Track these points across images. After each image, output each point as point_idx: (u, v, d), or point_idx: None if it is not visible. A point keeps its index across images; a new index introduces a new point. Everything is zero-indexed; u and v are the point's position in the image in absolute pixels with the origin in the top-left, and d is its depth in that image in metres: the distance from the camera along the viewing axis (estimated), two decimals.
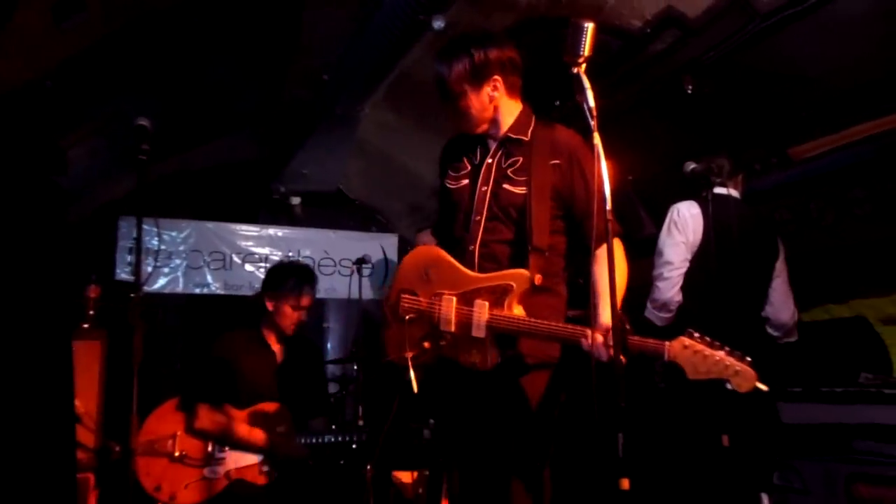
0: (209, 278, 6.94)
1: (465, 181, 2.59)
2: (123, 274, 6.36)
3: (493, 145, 2.60)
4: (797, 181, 4.51)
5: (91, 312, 4.47)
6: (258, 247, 7.17)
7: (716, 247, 3.40)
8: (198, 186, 6.95)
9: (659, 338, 3.86)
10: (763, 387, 2.13)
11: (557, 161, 2.51)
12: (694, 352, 2.15)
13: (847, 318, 4.64)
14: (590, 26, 2.24)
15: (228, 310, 6.68)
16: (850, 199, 4.37)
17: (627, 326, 2.15)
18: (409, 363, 2.42)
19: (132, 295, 2.60)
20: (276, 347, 3.95)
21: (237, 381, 3.78)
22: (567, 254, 2.58)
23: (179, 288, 6.82)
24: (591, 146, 2.14)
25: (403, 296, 2.53)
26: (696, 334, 2.17)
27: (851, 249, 4.50)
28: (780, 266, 3.73)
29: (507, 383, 2.46)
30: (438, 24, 3.82)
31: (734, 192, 3.74)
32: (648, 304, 3.66)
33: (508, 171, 2.52)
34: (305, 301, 3.90)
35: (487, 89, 2.54)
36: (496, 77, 2.54)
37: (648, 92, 4.36)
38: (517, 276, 2.37)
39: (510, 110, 2.61)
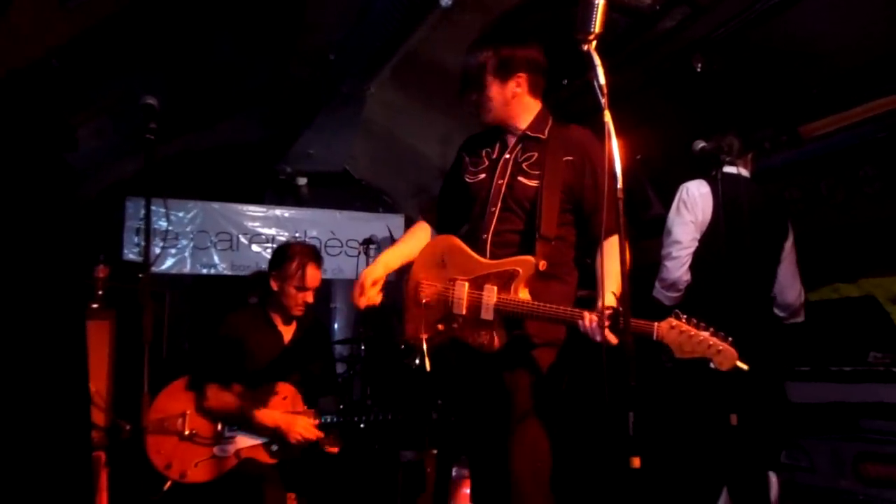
0: (216, 259, 6.96)
1: (483, 175, 2.70)
2: (131, 254, 6.38)
3: (511, 141, 2.72)
4: (807, 159, 4.49)
5: (100, 292, 4.49)
6: (265, 227, 7.19)
7: (725, 226, 3.38)
8: (204, 167, 6.95)
9: (664, 315, 3.88)
10: (743, 366, 2.22)
11: (570, 157, 2.61)
12: (680, 332, 2.24)
13: (856, 297, 4.63)
14: (600, 2, 2.22)
15: (235, 290, 6.69)
16: (861, 178, 4.35)
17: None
18: (424, 343, 2.56)
19: (140, 275, 2.61)
20: (282, 328, 3.95)
21: (245, 361, 3.78)
22: (577, 245, 2.68)
23: (187, 268, 6.85)
24: (602, 133, 2.14)
25: (422, 281, 2.68)
26: (683, 316, 2.25)
27: (861, 228, 4.48)
28: (788, 246, 3.70)
29: (514, 362, 2.55)
30: (446, 2, 3.80)
31: (744, 171, 3.71)
32: (657, 284, 3.65)
33: (524, 165, 2.63)
34: (310, 282, 3.89)
35: (512, 84, 2.65)
36: (521, 74, 2.66)
37: (657, 70, 4.33)
38: (523, 262, 2.48)
39: (530, 108, 2.72)
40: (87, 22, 3.87)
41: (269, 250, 6.95)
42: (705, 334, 2.24)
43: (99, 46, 4.25)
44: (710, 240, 3.55)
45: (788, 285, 3.69)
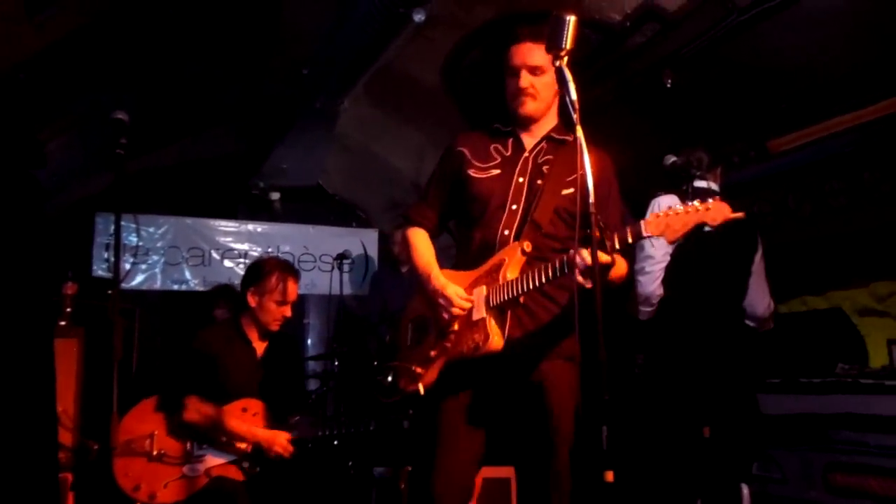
0: (188, 275, 6.88)
1: (496, 171, 2.59)
2: (100, 271, 6.28)
3: (528, 141, 2.63)
4: (775, 174, 4.56)
5: (68, 310, 4.41)
6: (237, 243, 7.12)
7: (696, 241, 3.41)
8: (175, 182, 6.87)
9: (640, 333, 3.90)
10: (738, 214, 2.10)
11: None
12: (665, 216, 2.18)
13: (824, 309, 4.70)
14: (571, 19, 2.23)
15: (207, 306, 6.62)
16: (827, 191, 4.42)
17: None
18: (419, 380, 2.48)
19: (109, 292, 2.57)
20: (256, 343, 3.92)
21: (218, 376, 3.74)
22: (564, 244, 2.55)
23: (157, 285, 6.75)
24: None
25: (411, 323, 2.65)
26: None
27: (828, 241, 4.56)
28: (758, 259, 3.75)
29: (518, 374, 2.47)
30: (419, 17, 3.81)
31: (714, 185, 3.76)
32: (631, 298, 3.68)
33: (542, 167, 2.57)
34: (291, 296, 3.86)
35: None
36: None
37: (628, 85, 4.38)
38: (507, 251, 2.45)
39: (555, 113, 2.66)
40: (56, 35, 3.83)
41: (241, 266, 6.88)
42: (687, 204, 2.16)
43: (67, 61, 4.20)
44: (681, 254, 3.58)
45: (757, 298, 3.74)
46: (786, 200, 4.64)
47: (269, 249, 7.11)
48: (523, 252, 2.43)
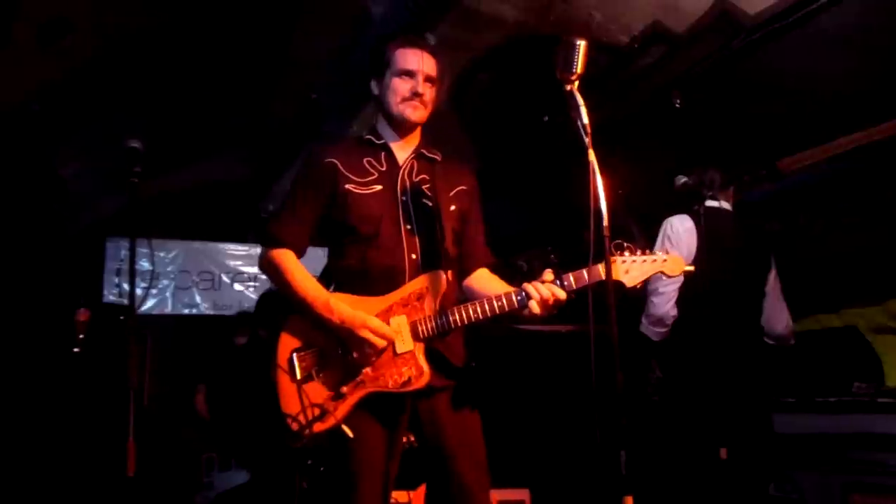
0: (198, 299, 6.90)
1: (378, 187, 2.44)
2: (112, 296, 6.30)
3: (400, 156, 2.52)
4: (786, 193, 4.55)
5: (81, 336, 4.41)
6: (247, 266, 7.14)
7: (709, 260, 3.40)
8: (185, 207, 6.90)
9: (655, 353, 3.88)
10: (690, 268, 2.33)
11: (464, 187, 2.55)
12: (622, 262, 2.26)
13: (838, 327, 4.67)
14: (582, 44, 2.24)
15: (218, 331, 6.61)
16: (839, 210, 4.41)
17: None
18: (333, 418, 2.24)
19: (122, 318, 2.57)
20: None
21: None
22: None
23: (168, 309, 6.77)
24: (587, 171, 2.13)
25: (297, 354, 2.35)
26: (616, 251, 2.27)
27: (840, 259, 4.54)
28: (772, 278, 3.74)
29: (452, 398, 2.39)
30: (429, 40, 3.82)
31: (725, 205, 3.75)
32: (644, 320, 3.66)
33: (422, 186, 2.48)
34: None
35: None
36: None
37: (637, 106, 4.39)
38: (429, 278, 2.34)
39: (420, 129, 2.58)
40: (69, 65, 3.88)
41: (251, 289, 6.90)
42: (647, 255, 2.27)
43: (79, 89, 4.24)
44: (695, 274, 3.57)
45: (776, 317, 3.71)
46: (797, 219, 4.63)
47: None
48: (447, 282, 2.33)
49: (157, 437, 3.78)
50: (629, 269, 2.27)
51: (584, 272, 2.22)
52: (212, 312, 6.86)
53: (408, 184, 2.47)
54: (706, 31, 3.71)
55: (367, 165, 2.46)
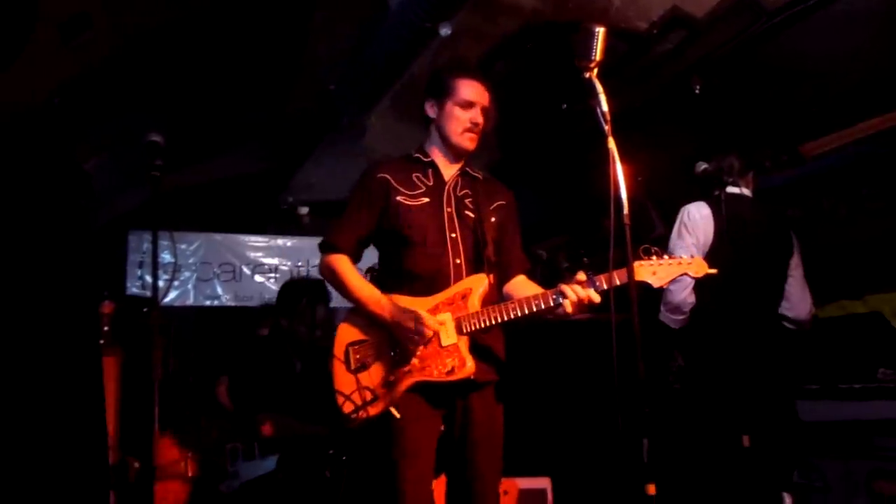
0: (219, 290, 6.95)
1: (426, 199, 2.69)
2: (135, 288, 6.37)
3: (446, 173, 2.76)
4: (809, 177, 4.51)
5: (106, 328, 4.47)
6: (268, 257, 7.18)
7: (731, 246, 3.38)
8: (206, 199, 6.95)
9: (676, 341, 3.86)
10: (713, 271, 2.47)
11: (502, 202, 2.81)
12: (650, 265, 2.42)
13: (862, 313, 4.62)
14: (601, 31, 2.25)
15: (240, 321, 6.67)
16: (863, 195, 4.36)
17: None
18: (384, 403, 2.47)
19: (145, 310, 2.62)
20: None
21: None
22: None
23: (190, 301, 6.83)
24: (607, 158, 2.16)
25: (351, 347, 2.60)
26: (644, 255, 2.43)
27: (865, 245, 4.49)
28: (795, 263, 3.70)
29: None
30: (445, 31, 3.82)
31: (746, 191, 3.72)
32: (662, 307, 3.64)
33: (465, 200, 2.73)
34: (320, 317, 3.93)
35: None
36: None
37: (656, 92, 4.36)
38: (473, 280, 2.57)
39: None
40: (90, 60, 3.91)
41: (272, 280, 6.95)
42: (671, 257, 2.45)
43: (101, 83, 4.28)
44: (713, 261, 3.54)
45: (799, 301, 3.68)
46: (820, 204, 4.58)
47: (299, 264, 7.17)
48: (489, 284, 2.55)
49: (180, 428, 3.82)
50: (656, 270, 2.41)
51: (615, 274, 2.34)
52: (233, 304, 6.92)
53: (453, 198, 2.71)
54: (726, 16, 3.67)
55: (415, 180, 2.73)
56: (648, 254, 2.43)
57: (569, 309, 2.39)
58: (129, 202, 6.37)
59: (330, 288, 3.20)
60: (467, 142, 2.69)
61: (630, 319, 2.12)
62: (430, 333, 2.45)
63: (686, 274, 2.45)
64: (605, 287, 2.37)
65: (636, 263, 2.37)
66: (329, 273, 2.71)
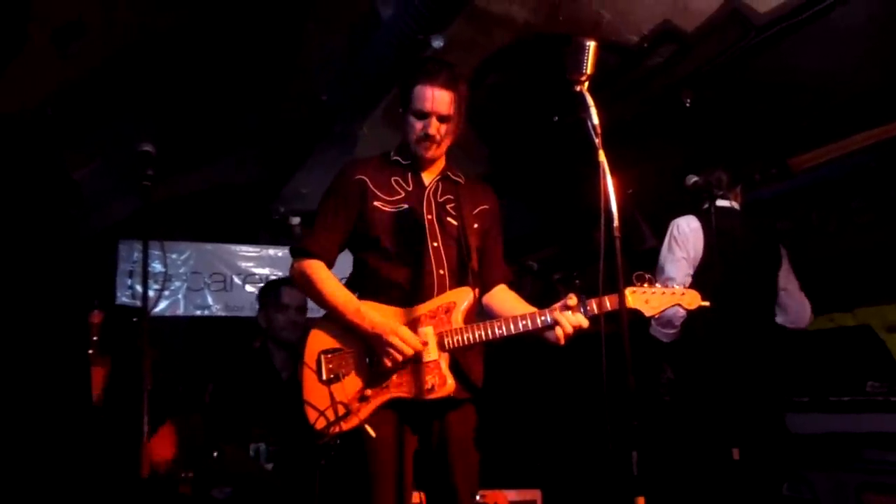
0: (210, 300, 6.91)
1: (405, 206, 2.54)
2: (124, 298, 6.32)
3: (426, 177, 2.62)
4: (798, 191, 4.53)
5: (95, 338, 4.44)
6: (259, 267, 7.15)
7: (720, 259, 3.39)
8: (197, 208, 6.93)
9: (666, 354, 3.87)
10: (706, 302, 2.46)
11: (486, 206, 2.68)
12: (643, 293, 2.41)
13: (852, 326, 4.64)
14: (592, 45, 2.26)
15: (231, 332, 6.64)
16: (852, 208, 4.39)
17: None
18: (356, 419, 2.34)
19: (134, 319, 2.60)
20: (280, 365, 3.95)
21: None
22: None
23: (180, 311, 6.78)
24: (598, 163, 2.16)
25: (324, 356, 2.44)
26: (639, 282, 2.42)
27: (854, 258, 4.51)
28: (785, 275, 3.72)
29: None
30: (438, 42, 3.83)
31: (735, 205, 3.74)
32: (652, 322, 3.64)
33: (447, 206, 2.59)
34: (286, 299, 3.87)
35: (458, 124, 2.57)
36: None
37: (647, 105, 4.38)
38: (457, 294, 2.46)
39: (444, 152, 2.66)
40: (82, 68, 3.91)
41: None
42: (665, 287, 2.44)
43: (91, 92, 4.28)
44: (703, 274, 3.56)
45: (799, 310, 3.71)
46: (810, 217, 4.61)
47: None
48: (474, 298, 2.47)
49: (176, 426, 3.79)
50: (649, 299, 2.40)
51: (607, 299, 2.31)
52: (224, 314, 6.87)
53: (434, 204, 2.58)
54: (716, 30, 3.70)
55: (394, 184, 2.58)
56: (642, 280, 2.41)
57: (561, 341, 2.34)
58: (119, 211, 6.34)
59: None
60: (422, 150, 2.52)
61: (619, 332, 2.11)
62: (411, 352, 2.34)
63: (679, 305, 2.44)
64: (595, 312, 2.33)
65: (629, 290, 2.36)
66: (302, 279, 2.54)
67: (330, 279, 2.53)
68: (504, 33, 4.13)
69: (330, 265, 2.58)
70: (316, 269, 2.53)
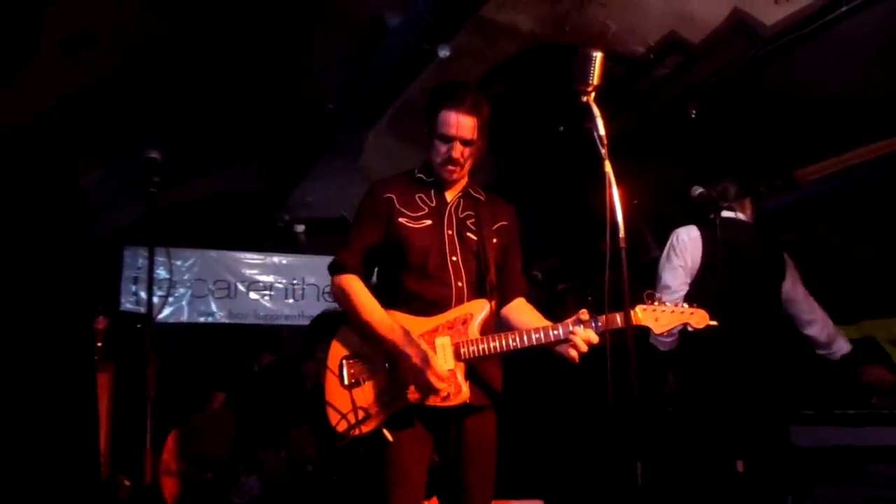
0: (214, 307, 6.92)
1: (428, 222, 2.66)
2: (129, 304, 6.33)
3: (449, 194, 2.74)
4: (803, 203, 4.52)
5: (99, 344, 4.44)
6: (263, 275, 7.16)
7: (725, 269, 3.38)
8: (201, 215, 6.95)
9: (670, 364, 3.86)
10: (714, 322, 2.47)
11: (505, 222, 2.78)
12: (653, 311, 2.45)
13: (856, 339, 4.61)
14: (598, 55, 2.28)
15: (233, 338, 6.65)
16: (857, 220, 4.38)
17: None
18: (376, 424, 2.43)
19: (139, 326, 2.60)
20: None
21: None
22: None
23: (184, 317, 6.80)
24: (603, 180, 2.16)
25: (346, 362, 2.55)
26: (650, 300, 2.46)
27: (859, 270, 4.50)
28: (791, 286, 3.70)
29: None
30: (444, 52, 3.85)
31: (742, 216, 3.73)
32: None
33: (467, 222, 2.70)
34: None
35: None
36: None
37: (653, 116, 4.39)
38: (474, 305, 2.55)
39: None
40: (91, 75, 3.93)
41: (267, 298, 6.93)
42: (674, 306, 2.47)
43: (99, 100, 4.29)
44: (702, 284, 3.55)
45: (823, 321, 3.72)
46: (815, 229, 4.60)
47: (294, 281, 7.15)
48: (490, 310, 2.54)
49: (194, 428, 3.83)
50: (658, 317, 2.43)
51: (618, 316, 2.36)
52: (227, 321, 6.88)
53: (454, 220, 2.69)
54: (722, 42, 3.71)
55: (418, 201, 2.71)
56: (652, 299, 2.45)
57: (576, 360, 2.41)
58: (125, 218, 6.36)
59: None
60: (446, 173, 2.65)
61: (624, 342, 2.12)
62: (441, 388, 2.41)
63: (688, 324, 2.45)
64: (606, 328, 2.38)
65: (639, 307, 2.41)
66: (341, 294, 2.64)
67: (366, 294, 2.63)
68: (510, 43, 4.14)
69: (365, 278, 2.69)
70: (353, 284, 2.63)
